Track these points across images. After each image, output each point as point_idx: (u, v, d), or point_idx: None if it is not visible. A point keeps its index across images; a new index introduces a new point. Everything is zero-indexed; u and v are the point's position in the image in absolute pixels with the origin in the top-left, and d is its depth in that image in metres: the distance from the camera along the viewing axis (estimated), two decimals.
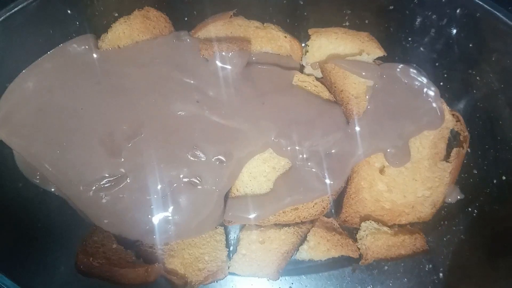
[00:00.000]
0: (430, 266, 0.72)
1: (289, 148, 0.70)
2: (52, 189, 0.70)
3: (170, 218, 0.67)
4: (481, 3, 0.71)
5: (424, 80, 0.74)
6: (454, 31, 0.75)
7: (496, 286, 0.67)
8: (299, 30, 0.80)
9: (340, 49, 0.76)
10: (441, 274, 0.72)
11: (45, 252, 0.68)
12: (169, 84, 0.72)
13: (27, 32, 0.68)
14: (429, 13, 0.75)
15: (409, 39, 0.78)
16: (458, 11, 0.73)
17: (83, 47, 0.72)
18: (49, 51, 0.71)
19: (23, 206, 0.69)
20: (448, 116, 0.74)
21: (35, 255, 0.67)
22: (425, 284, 0.72)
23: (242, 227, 0.72)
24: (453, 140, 0.76)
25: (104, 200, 0.67)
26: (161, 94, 0.71)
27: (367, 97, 0.72)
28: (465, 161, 0.75)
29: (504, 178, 0.72)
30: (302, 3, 0.78)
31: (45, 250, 0.68)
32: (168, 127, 0.70)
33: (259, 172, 0.71)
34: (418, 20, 0.76)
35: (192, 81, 0.72)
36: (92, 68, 0.72)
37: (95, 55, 0.73)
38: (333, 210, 0.76)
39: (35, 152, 0.67)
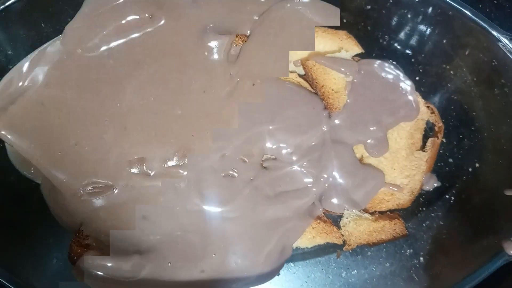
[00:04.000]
0: (411, 250, 0.76)
1: (274, 146, 0.73)
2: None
3: None
4: (451, 2, 0.75)
5: (400, 74, 0.78)
6: (428, 28, 0.80)
7: (472, 265, 0.70)
8: None
9: (320, 46, 0.80)
10: (421, 258, 0.75)
11: (38, 244, 0.70)
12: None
13: (18, 25, 0.71)
14: (404, 12, 0.80)
15: (386, 36, 0.82)
16: (430, 9, 0.78)
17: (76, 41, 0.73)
18: (43, 43, 0.72)
19: (16, 199, 0.71)
20: (423, 108, 0.78)
21: (28, 246, 0.69)
22: (406, 267, 0.75)
23: None
24: (429, 131, 0.80)
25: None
26: None
27: (346, 91, 0.76)
28: (441, 151, 0.79)
29: (477, 165, 0.76)
30: None
31: (38, 241, 0.70)
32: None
33: None
34: (394, 18, 0.81)
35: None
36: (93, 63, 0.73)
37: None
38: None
39: (34, 148, 0.68)
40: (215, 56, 0.75)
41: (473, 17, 0.75)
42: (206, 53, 0.75)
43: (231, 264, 0.67)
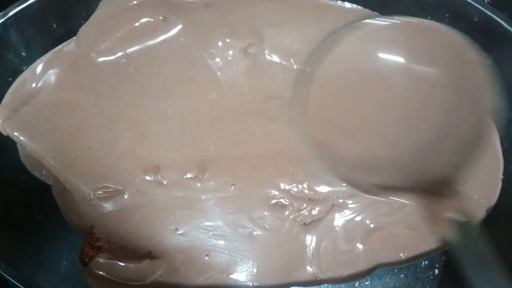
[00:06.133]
0: (426, 262, 0.75)
1: None
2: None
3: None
4: None
5: None
6: None
7: None
8: None
9: None
10: (436, 270, 0.74)
11: (48, 245, 0.70)
12: None
13: (32, 27, 0.69)
14: None
15: None
16: None
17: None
18: (56, 45, 0.71)
19: (27, 200, 0.71)
20: None
21: (38, 248, 0.69)
22: (421, 279, 0.74)
23: None
24: None
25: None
26: None
27: None
28: None
29: None
30: None
31: (48, 243, 0.70)
32: None
33: None
34: None
35: None
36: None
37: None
38: None
39: (46, 150, 0.68)
40: None
41: None
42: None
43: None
